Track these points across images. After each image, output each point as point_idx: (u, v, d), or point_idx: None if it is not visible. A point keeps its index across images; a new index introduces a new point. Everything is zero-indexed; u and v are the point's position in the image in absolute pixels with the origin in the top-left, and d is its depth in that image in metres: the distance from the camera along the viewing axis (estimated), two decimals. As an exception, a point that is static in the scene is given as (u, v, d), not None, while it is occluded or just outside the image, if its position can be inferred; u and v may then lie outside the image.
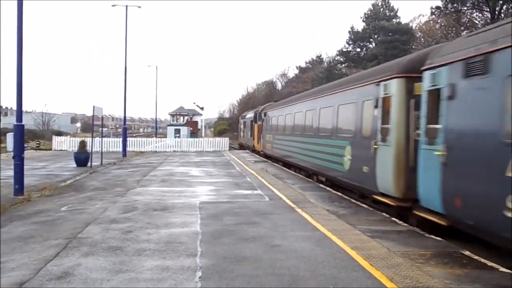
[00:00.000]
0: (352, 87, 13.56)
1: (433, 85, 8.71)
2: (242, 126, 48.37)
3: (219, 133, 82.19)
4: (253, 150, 37.34)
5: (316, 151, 16.95)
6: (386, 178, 10.42)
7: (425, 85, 9.11)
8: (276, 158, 26.53)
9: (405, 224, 9.44)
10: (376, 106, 11.27)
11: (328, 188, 14.99)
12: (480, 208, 7.08)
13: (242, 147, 46.37)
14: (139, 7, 32.72)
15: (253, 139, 37.78)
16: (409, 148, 9.85)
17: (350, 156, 12.98)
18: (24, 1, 12.76)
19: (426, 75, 9.02)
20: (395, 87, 10.44)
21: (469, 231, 7.69)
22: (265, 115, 31.61)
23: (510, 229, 6.13)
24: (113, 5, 31.78)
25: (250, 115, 42.06)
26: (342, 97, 14.36)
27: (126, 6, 31.44)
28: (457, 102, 7.91)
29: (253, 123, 37.98)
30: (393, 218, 10.02)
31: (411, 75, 9.98)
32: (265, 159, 28.80)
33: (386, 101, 10.83)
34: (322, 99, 17.06)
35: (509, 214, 6.18)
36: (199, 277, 5.81)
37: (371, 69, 15.04)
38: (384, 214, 10.54)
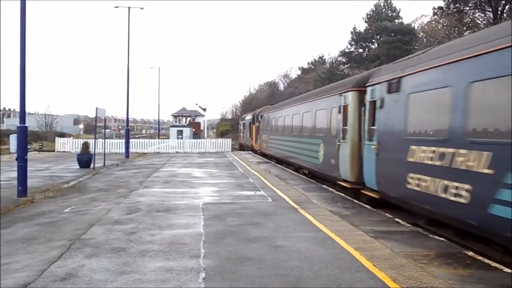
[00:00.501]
0: (325, 96, 16.69)
1: (372, 98, 11.98)
2: (241, 127, 51.10)
3: (222, 134, 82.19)
4: (252, 149, 39.36)
5: (300, 148, 20.04)
6: (345, 167, 13.52)
7: (367, 97, 12.33)
8: (271, 156, 28.97)
9: (408, 225, 9.43)
10: (339, 112, 14.21)
11: (331, 189, 15.01)
12: (394, 183, 10.13)
13: (242, 146, 47.90)
14: (142, 8, 33.19)
15: (252, 139, 39.95)
16: (361, 144, 12.79)
17: (323, 151, 16.13)
18: (27, 2, 12.82)
19: (368, 90, 12.34)
20: (350, 98, 13.49)
21: (391, 200, 10.71)
22: (261, 118, 34.51)
23: (411, 197, 9.29)
24: (115, 7, 31.85)
25: (248, 117, 44.20)
26: (319, 104, 17.47)
27: (129, 8, 31.52)
28: (384, 110, 11.09)
29: (252, 124, 40.35)
30: (396, 219, 10.01)
31: (362, 89, 12.85)
32: (268, 160, 28.86)
33: (345, 108, 13.78)
34: (304, 104, 20.17)
35: (409, 186, 9.28)
36: (203, 278, 5.82)
37: (339, 82, 18.09)
38: (387, 214, 10.55)
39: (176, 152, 38.96)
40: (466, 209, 7.33)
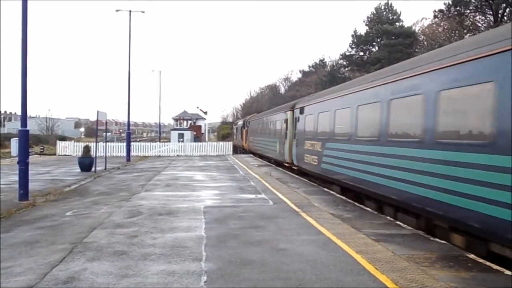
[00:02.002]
0: (277, 112, 28.02)
1: (296, 116, 21.52)
2: (235, 131, 62.27)
3: (223, 137, 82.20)
4: (243, 148, 47.63)
5: (267, 144, 30.60)
6: (286, 155, 23.27)
7: (295, 115, 21.90)
8: (254, 152, 39.70)
9: (410, 228, 9.43)
10: (284, 122, 24.02)
11: (332, 192, 15.01)
12: (300, 161, 20.04)
13: (235, 147, 52.36)
14: (143, 12, 32.91)
15: (242, 140, 49.10)
16: (293, 142, 21.88)
17: (278, 146, 26.12)
18: (28, 6, 12.85)
19: (295, 111, 21.96)
20: (289, 115, 23.10)
21: (301, 170, 20.15)
22: (249, 123, 44.51)
23: (305, 166, 19.01)
24: (117, 10, 31.93)
25: (240, 122, 55.07)
26: (275, 117, 28.31)
27: (130, 11, 31.58)
28: (299, 123, 20.53)
29: (242, 128, 50.09)
30: (398, 222, 10.02)
31: (295, 109, 22.24)
32: (269, 163, 29.06)
33: (286, 121, 23.51)
34: (270, 116, 30.79)
35: (305, 160, 18.79)
36: (205, 281, 5.83)
37: (285, 104, 29.33)
38: (388, 217, 10.55)
39: (177, 155, 38.99)
40: (316, 167, 16.95)
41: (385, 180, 10.41)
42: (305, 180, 18.97)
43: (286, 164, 23.55)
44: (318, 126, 17.01)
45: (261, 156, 35.14)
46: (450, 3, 40.27)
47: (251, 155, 39.37)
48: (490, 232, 6.97)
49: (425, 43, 45.88)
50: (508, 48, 6.58)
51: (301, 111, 20.01)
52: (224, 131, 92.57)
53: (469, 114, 7.62)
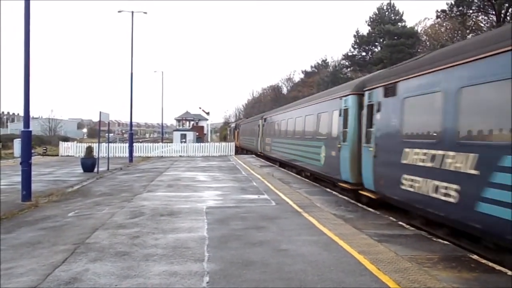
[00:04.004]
0: (254, 120, 37.95)
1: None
2: (228, 132, 77.86)
3: (225, 138, 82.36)
4: (235, 146, 50.86)
5: (252, 141, 36.46)
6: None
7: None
8: (243, 148, 48.40)
9: (412, 228, 9.41)
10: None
11: (334, 192, 14.99)
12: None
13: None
14: (145, 13, 32.81)
15: (235, 139, 58.17)
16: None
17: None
18: (31, 7, 12.88)
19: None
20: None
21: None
22: (239, 126, 56.63)
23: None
24: (119, 11, 31.96)
25: (233, 125, 71.21)
26: (254, 122, 36.22)
27: (132, 12, 31.60)
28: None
29: (235, 130, 62.43)
30: (400, 222, 9.99)
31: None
32: (271, 164, 28.99)
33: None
34: (252, 122, 37.25)
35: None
36: (207, 282, 5.82)
37: (257, 115, 38.56)
38: (391, 218, 10.53)
39: (180, 156, 39.00)
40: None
41: None
42: (307, 180, 18.95)
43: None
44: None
45: (246, 151, 44.14)
46: (453, 3, 40.13)
47: (254, 155, 39.43)
48: None
49: (427, 43, 45.80)
50: None
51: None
52: (226, 132, 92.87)
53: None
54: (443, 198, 8.16)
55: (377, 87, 12.01)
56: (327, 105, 16.58)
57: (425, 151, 8.95)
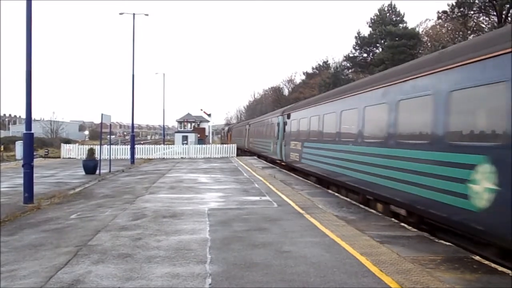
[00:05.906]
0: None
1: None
2: (222, 134, 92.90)
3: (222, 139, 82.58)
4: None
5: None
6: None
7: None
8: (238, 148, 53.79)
9: (414, 230, 9.40)
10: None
11: (336, 194, 14.99)
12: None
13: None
14: (147, 14, 33.09)
15: (227, 140, 68.13)
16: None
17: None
18: (32, 8, 12.93)
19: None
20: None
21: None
22: (232, 129, 69.03)
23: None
24: (120, 13, 32.06)
25: (226, 128, 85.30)
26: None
27: (133, 14, 31.67)
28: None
29: (228, 132, 73.92)
30: (402, 224, 9.99)
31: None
32: (272, 165, 29.03)
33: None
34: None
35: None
36: (209, 284, 5.83)
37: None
38: (393, 219, 10.52)
39: (181, 157, 39.00)
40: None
41: None
42: (309, 182, 18.96)
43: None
44: None
45: (243, 150, 51.55)
46: (454, 4, 40.18)
47: (255, 157, 39.47)
48: None
49: (428, 44, 45.79)
50: None
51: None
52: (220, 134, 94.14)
53: None
54: (296, 159, 21.35)
55: (285, 113, 25.65)
56: (273, 119, 30.47)
57: (295, 142, 21.69)
